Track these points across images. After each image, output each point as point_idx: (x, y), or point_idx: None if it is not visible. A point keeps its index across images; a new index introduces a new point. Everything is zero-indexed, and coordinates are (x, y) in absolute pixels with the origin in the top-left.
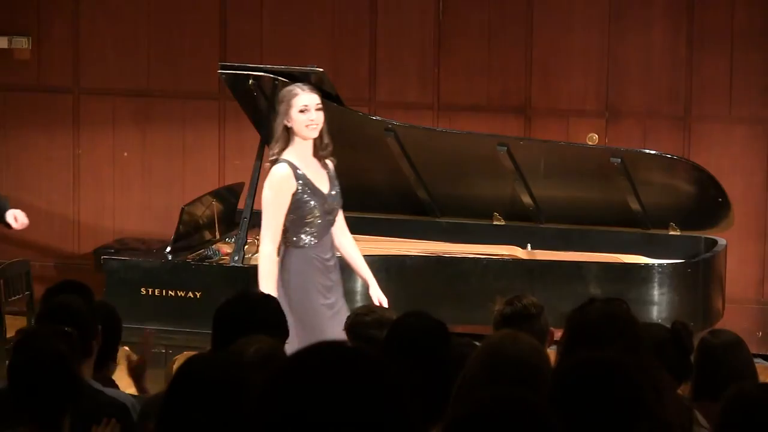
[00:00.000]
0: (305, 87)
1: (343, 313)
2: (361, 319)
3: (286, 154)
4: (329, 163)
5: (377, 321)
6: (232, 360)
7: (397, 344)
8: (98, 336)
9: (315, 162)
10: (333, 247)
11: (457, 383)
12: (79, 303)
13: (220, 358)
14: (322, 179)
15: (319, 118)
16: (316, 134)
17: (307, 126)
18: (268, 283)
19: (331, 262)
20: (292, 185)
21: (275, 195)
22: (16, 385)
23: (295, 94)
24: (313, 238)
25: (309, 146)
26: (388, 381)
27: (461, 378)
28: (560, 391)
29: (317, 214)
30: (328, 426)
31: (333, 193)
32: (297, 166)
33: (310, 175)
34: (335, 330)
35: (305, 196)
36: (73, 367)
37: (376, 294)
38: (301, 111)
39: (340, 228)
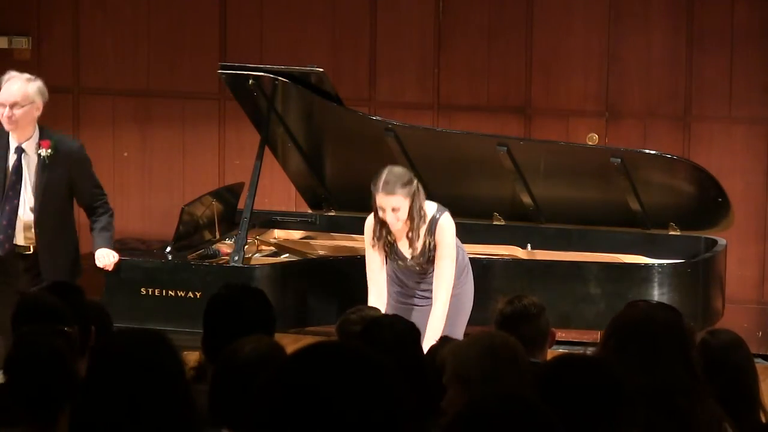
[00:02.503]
0: (383, 185)
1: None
2: (348, 317)
3: None
4: (436, 228)
5: (361, 319)
6: (154, 337)
7: (369, 341)
8: (92, 336)
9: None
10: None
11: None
12: (54, 300)
13: (140, 334)
14: (411, 244)
15: (396, 217)
16: (396, 228)
17: (388, 222)
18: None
19: (413, 295)
20: (375, 236)
21: (365, 238)
22: (14, 383)
23: (375, 189)
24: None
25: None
26: (385, 377)
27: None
28: (545, 390)
29: (392, 263)
30: (326, 420)
31: (418, 260)
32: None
33: (398, 238)
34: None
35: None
36: (71, 366)
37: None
38: (380, 208)
39: (434, 284)
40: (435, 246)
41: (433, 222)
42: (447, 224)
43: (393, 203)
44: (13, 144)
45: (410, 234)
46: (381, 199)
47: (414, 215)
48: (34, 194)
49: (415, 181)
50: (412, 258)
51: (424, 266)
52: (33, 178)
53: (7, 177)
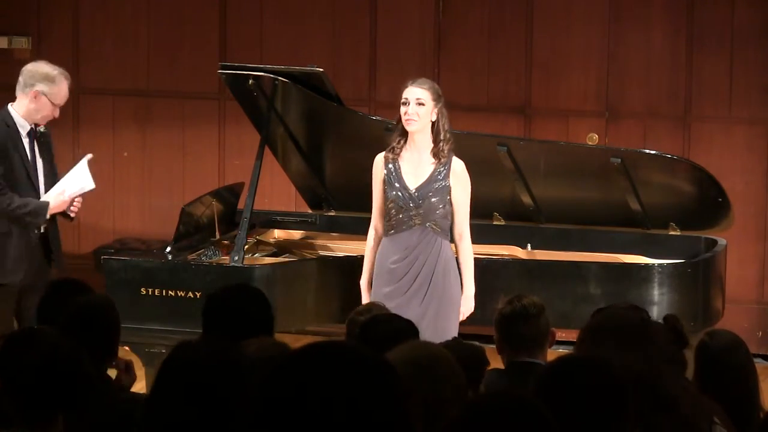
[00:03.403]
0: (416, 81)
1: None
2: (355, 318)
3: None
4: (451, 165)
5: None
6: (225, 345)
7: (367, 341)
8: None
9: (425, 157)
10: (413, 249)
11: None
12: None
13: (212, 343)
14: (416, 174)
15: (416, 111)
16: (412, 128)
17: (405, 119)
18: (364, 265)
19: (396, 266)
20: (381, 172)
21: (372, 179)
22: (7, 384)
23: (405, 86)
24: (390, 229)
25: (414, 138)
26: (384, 376)
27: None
28: (545, 390)
29: (391, 206)
30: (326, 420)
31: (422, 191)
32: (398, 154)
33: (404, 166)
34: None
35: (388, 185)
36: (67, 366)
37: (462, 309)
38: (402, 103)
39: (456, 233)
40: (445, 179)
41: (450, 155)
42: (462, 167)
43: (418, 94)
44: (24, 126)
45: (432, 152)
46: (408, 92)
47: (440, 129)
48: (43, 171)
49: (443, 102)
50: (416, 190)
51: (425, 205)
52: (43, 157)
53: (27, 158)
